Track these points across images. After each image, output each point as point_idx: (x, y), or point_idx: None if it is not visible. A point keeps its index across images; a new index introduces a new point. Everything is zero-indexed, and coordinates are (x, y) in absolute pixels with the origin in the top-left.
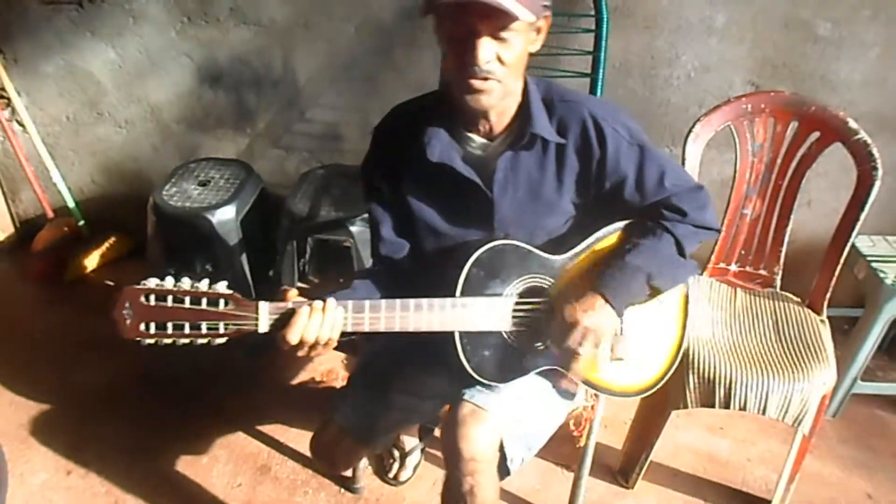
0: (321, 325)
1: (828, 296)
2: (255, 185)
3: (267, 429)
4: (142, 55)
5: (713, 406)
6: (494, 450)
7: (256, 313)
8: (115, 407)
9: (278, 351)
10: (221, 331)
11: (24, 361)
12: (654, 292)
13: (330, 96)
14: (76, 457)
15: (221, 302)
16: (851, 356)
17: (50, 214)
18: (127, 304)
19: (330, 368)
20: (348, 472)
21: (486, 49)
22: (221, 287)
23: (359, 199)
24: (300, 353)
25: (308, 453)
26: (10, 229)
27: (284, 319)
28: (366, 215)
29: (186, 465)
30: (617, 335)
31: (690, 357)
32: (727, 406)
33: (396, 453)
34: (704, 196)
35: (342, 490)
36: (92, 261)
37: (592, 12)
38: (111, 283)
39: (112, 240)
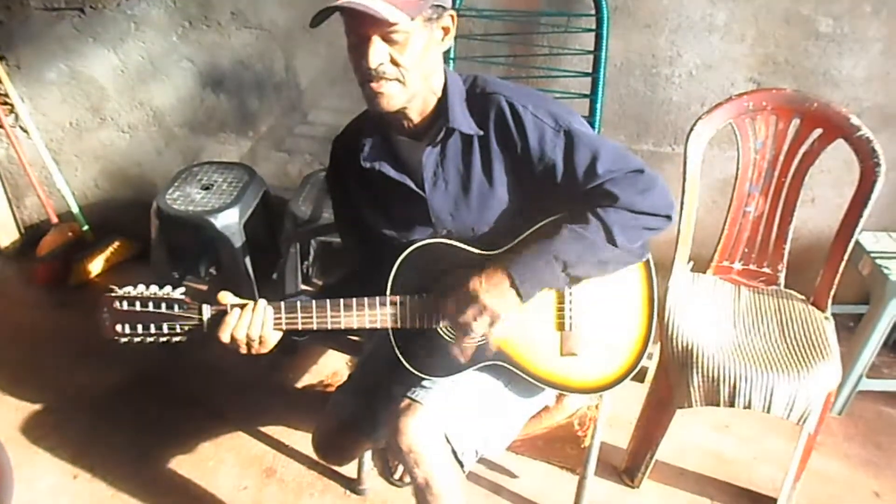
0: (250, 324)
1: (832, 293)
2: (258, 189)
3: (272, 431)
4: (144, 60)
5: (718, 405)
6: (433, 441)
7: (200, 314)
8: (120, 411)
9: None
10: (178, 330)
11: (29, 366)
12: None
13: (331, 99)
14: (82, 461)
15: (175, 305)
16: (857, 353)
17: (54, 220)
18: (105, 309)
19: (335, 371)
20: (353, 474)
21: (376, 52)
22: (175, 292)
23: None
24: (241, 352)
25: (314, 455)
26: (15, 235)
27: (218, 319)
28: None
29: (192, 469)
30: (567, 331)
31: (695, 356)
32: (732, 404)
33: None
34: (647, 179)
35: (347, 492)
36: (96, 265)
37: (593, 11)
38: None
39: (116, 244)
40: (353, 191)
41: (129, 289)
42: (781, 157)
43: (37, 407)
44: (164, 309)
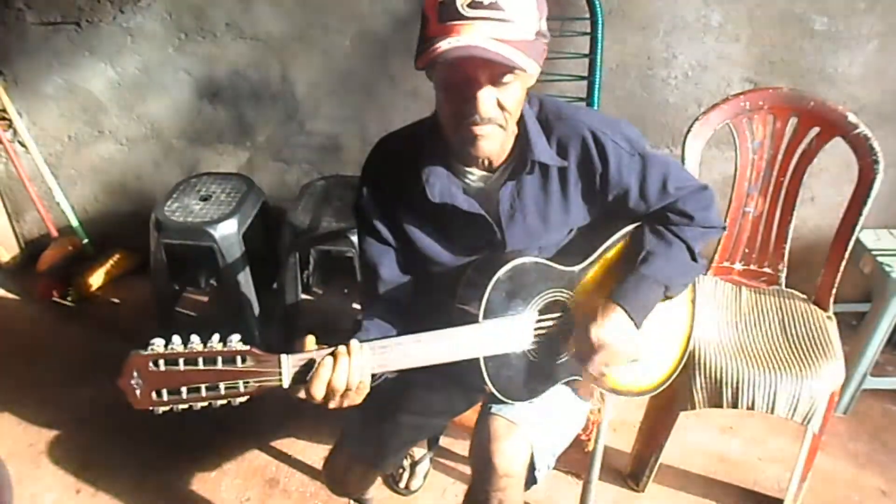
0: (349, 371)
1: (834, 291)
2: (257, 199)
3: (275, 442)
4: (141, 72)
5: (721, 406)
6: (527, 462)
7: (279, 367)
8: (122, 424)
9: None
10: (241, 390)
11: (31, 381)
12: (667, 298)
13: (328, 108)
14: (85, 475)
15: (238, 359)
16: (860, 352)
17: (54, 234)
18: (135, 374)
19: None
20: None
21: (488, 99)
22: (236, 342)
23: None
24: (332, 405)
25: (317, 465)
26: (16, 250)
27: (307, 370)
28: None
29: (195, 481)
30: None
31: (697, 357)
32: (735, 406)
33: (406, 463)
34: (709, 196)
35: (352, 502)
36: (97, 279)
37: (587, 15)
38: (117, 301)
39: (116, 257)
40: (406, 221)
41: (165, 342)
42: (780, 157)
43: (38, 422)
44: (220, 365)
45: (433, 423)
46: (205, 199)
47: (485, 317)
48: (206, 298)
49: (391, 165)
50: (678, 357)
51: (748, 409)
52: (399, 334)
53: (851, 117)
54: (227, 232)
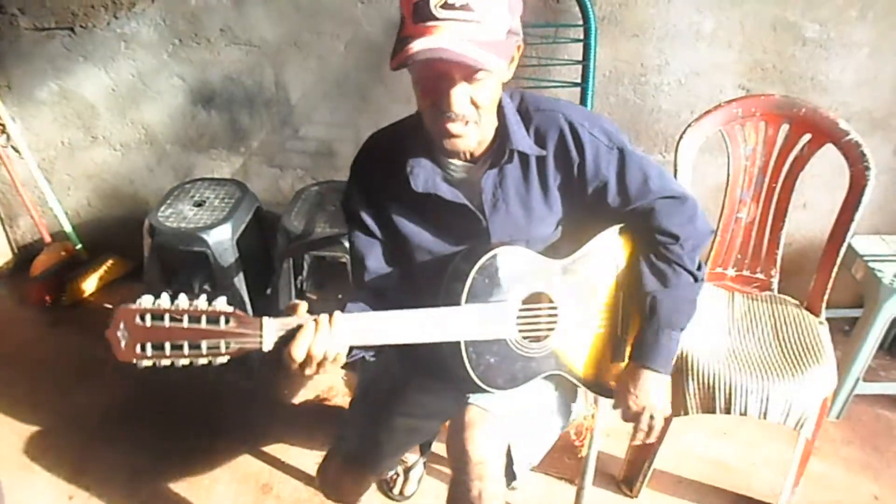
0: (329, 339)
1: (826, 297)
2: (251, 204)
3: (268, 448)
4: (135, 78)
5: (714, 412)
6: (501, 453)
7: (260, 330)
8: (115, 430)
9: (282, 370)
10: (223, 350)
11: (23, 387)
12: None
13: (322, 113)
14: (78, 481)
15: (222, 320)
16: (852, 357)
17: (47, 239)
18: (121, 325)
19: (330, 386)
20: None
21: (460, 96)
22: (222, 304)
23: None
24: (308, 372)
25: (309, 471)
26: (9, 255)
27: (289, 335)
28: None
29: (188, 487)
30: (621, 336)
31: (689, 363)
32: (728, 412)
33: (400, 469)
34: (691, 206)
35: None
36: (90, 284)
37: (580, 22)
38: (110, 306)
39: (110, 262)
40: (392, 212)
41: (153, 299)
42: (772, 163)
43: (31, 427)
44: (204, 324)
45: (427, 426)
46: (198, 204)
47: (467, 301)
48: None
49: (378, 159)
50: None
51: (741, 414)
52: None
53: (843, 124)
54: (221, 238)
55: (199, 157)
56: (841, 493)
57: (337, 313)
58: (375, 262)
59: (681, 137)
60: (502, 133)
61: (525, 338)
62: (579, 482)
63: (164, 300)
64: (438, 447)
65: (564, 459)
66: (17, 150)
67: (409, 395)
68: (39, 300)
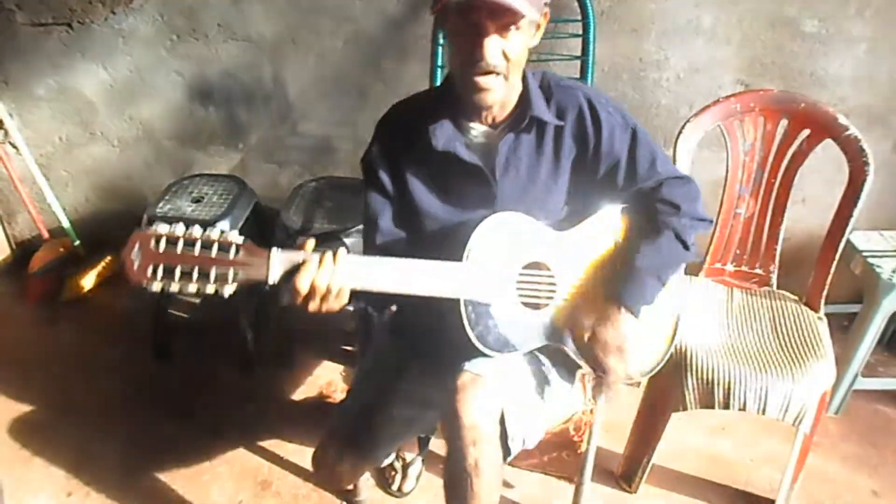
0: (332, 273)
1: (825, 293)
2: (249, 200)
3: (267, 444)
4: (132, 74)
5: (713, 407)
6: (494, 419)
7: (268, 261)
8: (114, 426)
9: (292, 303)
10: (230, 279)
11: (22, 383)
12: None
13: (321, 110)
14: (77, 478)
15: (232, 249)
16: (851, 352)
17: (45, 235)
18: (136, 247)
19: (329, 381)
20: (350, 486)
21: (493, 46)
22: (233, 235)
23: (352, 212)
24: (312, 306)
25: (309, 467)
26: (6, 251)
27: (295, 269)
28: (360, 227)
29: (187, 483)
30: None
31: (688, 358)
32: (727, 407)
33: (398, 465)
34: (695, 189)
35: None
36: (88, 280)
37: (579, 17)
38: (108, 303)
39: (108, 259)
40: (408, 173)
41: (166, 227)
42: (770, 158)
43: (29, 424)
44: (214, 253)
45: (425, 417)
46: (197, 200)
47: (468, 261)
48: (198, 300)
49: (402, 121)
50: (667, 343)
51: (739, 409)
52: None
53: (842, 119)
54: None
55: (197, 153)
56: (839, 489)
57: (341, 250)
58: (387, 223)
59: (679, 133)
60: (524, 101)
61: (524, 304)
62: (578, 478)
63: (180, 227)
64: (437, 444)
65: (563, 456)
66: (14, 147)
67: (408, 384)
68: (37, 296)
